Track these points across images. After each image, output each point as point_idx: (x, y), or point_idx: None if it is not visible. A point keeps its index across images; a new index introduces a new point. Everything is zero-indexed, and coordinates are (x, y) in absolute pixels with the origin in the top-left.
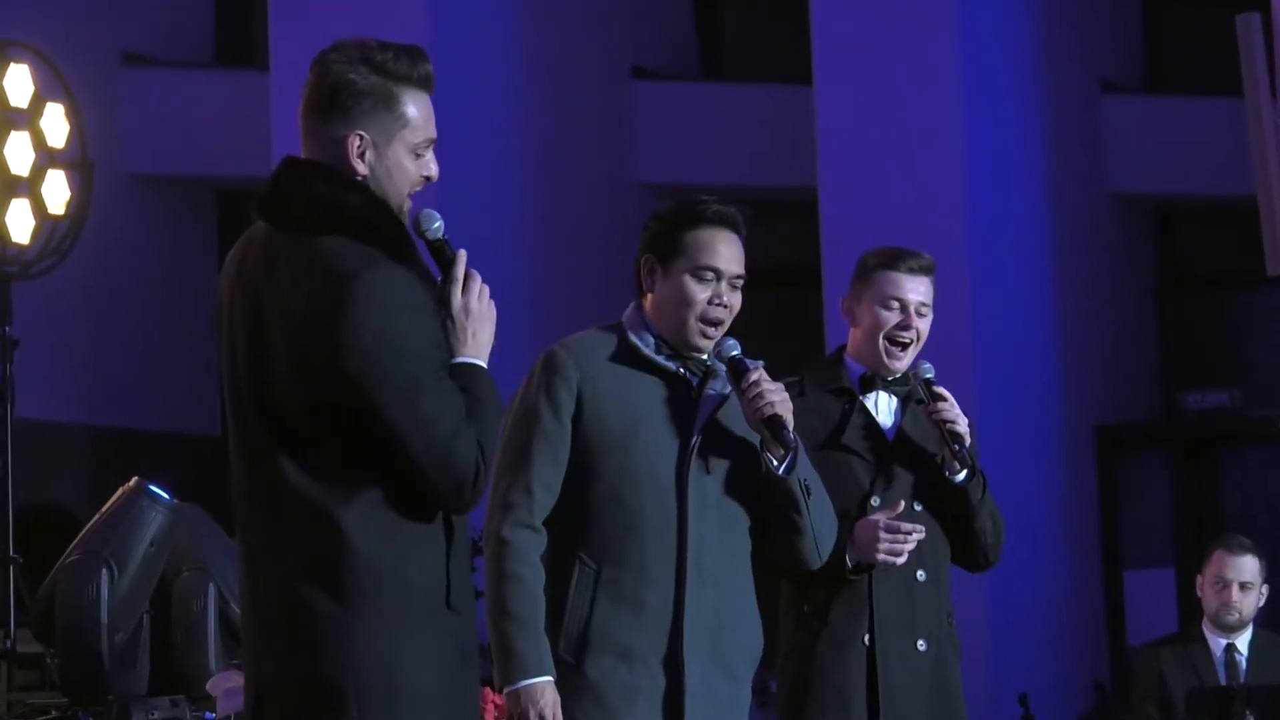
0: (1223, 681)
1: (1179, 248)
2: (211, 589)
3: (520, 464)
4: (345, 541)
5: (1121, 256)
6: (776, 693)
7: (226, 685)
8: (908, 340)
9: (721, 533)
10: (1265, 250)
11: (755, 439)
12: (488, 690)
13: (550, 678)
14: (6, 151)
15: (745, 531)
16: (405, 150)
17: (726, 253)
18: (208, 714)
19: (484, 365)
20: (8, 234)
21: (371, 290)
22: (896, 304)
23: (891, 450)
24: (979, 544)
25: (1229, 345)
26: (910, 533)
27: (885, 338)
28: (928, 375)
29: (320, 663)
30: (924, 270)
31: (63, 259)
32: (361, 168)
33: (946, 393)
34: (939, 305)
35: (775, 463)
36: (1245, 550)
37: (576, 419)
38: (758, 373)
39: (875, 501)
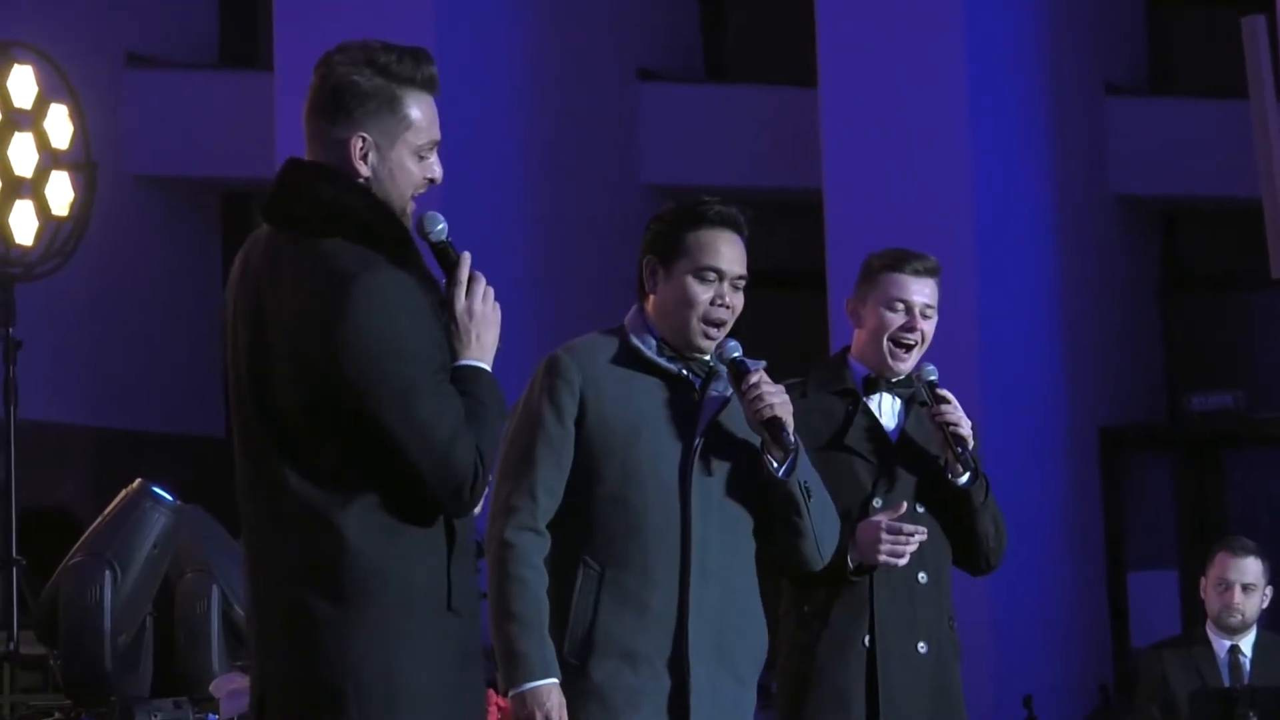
0: (1226, 683)
1: (1183, 249)
2: (215, 590)
3: (523, 468)
4: (344, 544)
5: (1125, 258)
6: (776, 693)
7: (229, 687)
8: (912, 342)
9: (725, 534)
10: (1270, 252)
11: (758, 440)
12: (491, 692)
13: (555, 680)
14: (10, 152)
15: (749, 532)
16: (408, 152)
17: (728, 253)
18: (210, 715)
19: (487, 368)
20: (11, 235)
21: (370, 293)
22: (901, 306)
23: (894, 452)
24: (981, 547)
25: (1233, 347)
26: (912, 534)
27: (890, 339)
28: (931, 377)
29: (320, 664)
30: (929, 272)
31: (66, 260)
32: (364, 169)
33: (950, 395)
34: (943, 307)
35: (775, 465)
36: (1248, 552)
37: (579, 422)
38: (758, 374)
39: (877, 503)
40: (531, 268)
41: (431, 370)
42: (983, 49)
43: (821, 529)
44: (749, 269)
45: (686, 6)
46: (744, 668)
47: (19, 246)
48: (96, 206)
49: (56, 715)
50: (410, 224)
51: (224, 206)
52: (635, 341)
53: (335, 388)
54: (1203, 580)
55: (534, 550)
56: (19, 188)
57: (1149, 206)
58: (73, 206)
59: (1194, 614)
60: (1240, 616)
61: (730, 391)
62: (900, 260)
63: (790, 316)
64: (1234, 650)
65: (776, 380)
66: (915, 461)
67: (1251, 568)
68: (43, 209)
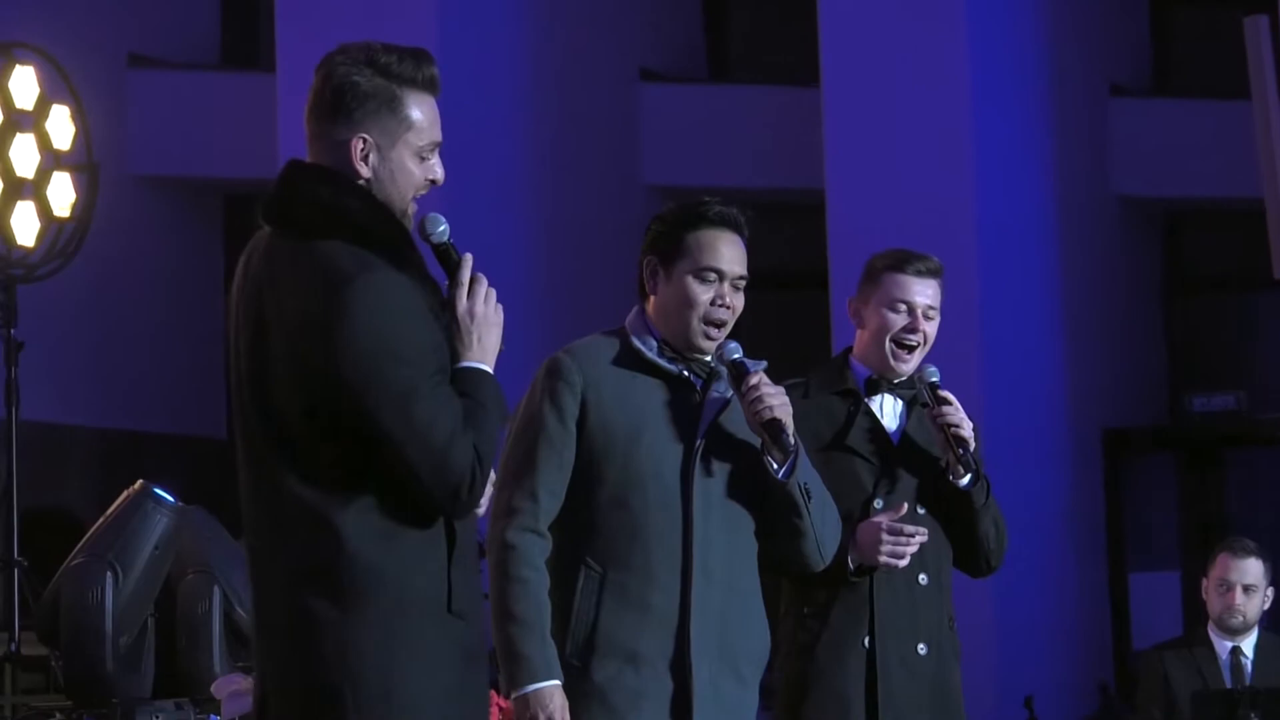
0: (1228, 684)
1: (1186, 250)
2: (216, 592)
3: (525, 469)
4: (343, 546)
5: (1128, 259)
6: (775, 693)
7: (231, 688)
8: (915, 343)
9: (727, 535)
10: (1272, 253)
11: (759, 442)
12: (493, 693)
13: (558, 682)
14: (12, 153)
15: (751, 533)
16: (409, 153)
17: (729, 253)
18: (212, 717)
19: (489, 370)
20: (13, 236)
21: (366, 295)
22: (904, 307)
23: (895, 453)
24: (981, 549)
25: (1235, 348)
26: (913, 535)
27: (892, 340)
28: (933, 379)
29: (319, 666)
30: (932, 273)
31: (68, 261)
32: (365, 170)
33: (951, 396)
34: (944, 308)
35: (775, 466)
36: (1249, 553)
37: (581, 424)
38: (757, 376)
39: (878, 504)
40: (533, 268)
41: (429, 372)
42: (985, 50)
43: (822, 530)
44: (749, 269)
45: (689, 7)
46: (746, 668)
47: (21, 247)
48: (98, 207)
49: (58, 716)
50: (412, 225)
51: (226, 207)
52: (636, 343)
53: (333, 390)
54: (1204, 581)
55: (535, 552)
56: (21, 189)
57: (1151, 207)
58: (74, 207)
59: (1195, 615)
60: (1241, 618)
61: (731, 393)
62: (903, 261)
63: (792, 317)
64: (1236, 651)
65: (778, 381)
66: (916, 463)
67: (1253, 569)
68: (44, 210)
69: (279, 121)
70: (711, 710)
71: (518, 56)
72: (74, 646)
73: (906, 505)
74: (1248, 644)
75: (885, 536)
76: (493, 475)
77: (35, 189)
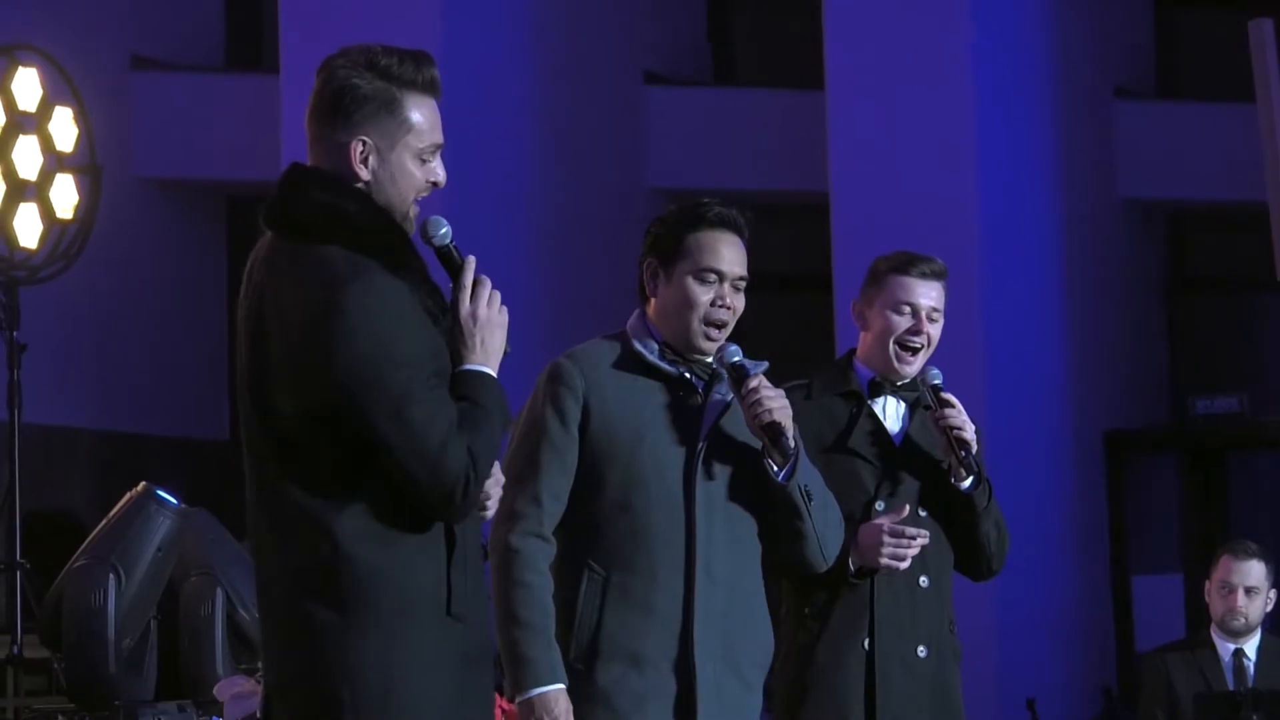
0: (1230, 686)
1: (1189, 253)
2: (219, 594)
3: (528, 474)
4: (340, 550)
5: (1132, 261)
6: (774, 694)
7: (233, 690)
8: (918, 345)
9: (730, 536)
10: (1275, 255)
11: (760, 444)
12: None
13: (562, 685)
14: (14, 155)
15: (754, 535)
16: (410, 155)
17: (729, 254)
18: (215, 719)
19: (491, 372)
20: (15, 238)
21: (359, 299)
22: (908, 309)
23: (898, 455)
24: (983, 552)
25: (1239, 350)
26: (914, 538)
27: (896, 342)
28: (936, 381)
29: (318, 669)
30: (936, 275)
31: (71, 263)
32: (364, 173)
33: (954, 399)
34: (948, 310)
35: (775, 469)
36: (1252, 555)
37: (583, 428)
38: (757, 379)
39: (879, 506)
40: (538, 271)
41: (423, 376)
42: (990, 53)
43: (824, 531)
44: (750, 270)
45: (693, 10)
46: (750, 669)
47: (23, 249)
48: (101, 209)
49: (60, 719)
50: (414, 228)
51: (229, 209)
52: (637, 346)
53: (327, 394)
54: (1207, 584)
55: (540, 556)
56: (23, 190)
57: (1155, 210)
58: (77, 209)
59: (1198, 618)
60: (1243, 620)
61: (732, 396)
62: (907, 263)
63: (796, 319)
64: (1238, 654)
65: (782, 382)
66: (918, 465)
67: (1255, 571)
68: (47, 212)
69: (282, 123)
70: (715, 711)
71: (522, 59)
72: (76, 649)
73: (908, 507)
74: (1250, 646)
75: (887, 539)
76: (502, 477)
77: (38, 191)
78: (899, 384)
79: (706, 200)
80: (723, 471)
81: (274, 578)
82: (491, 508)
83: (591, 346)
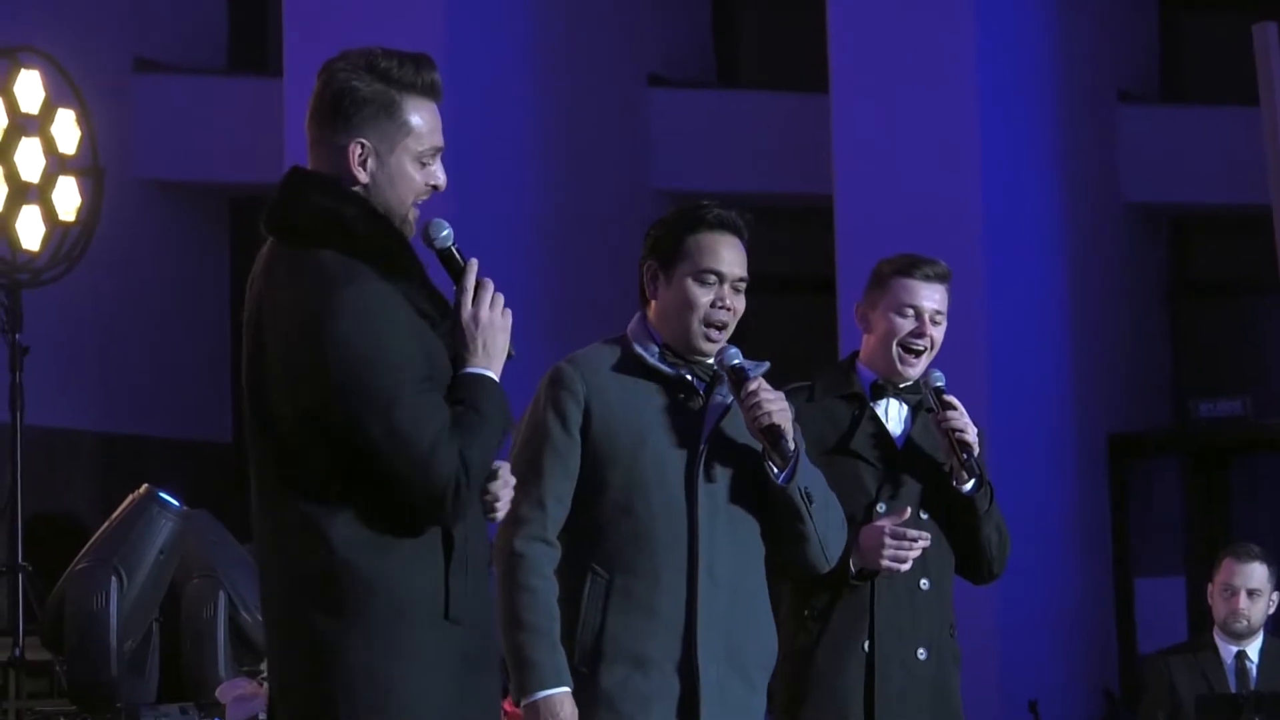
0: (1233, 689)
1: (1193, 256)
2: (221, 596)
3: (531, 478)
4: (335, 555)
5: (1135, 265)
6: (774, 695)
7: (235, 692)
8: (921, 348)
9: (732, 538)
10: (1279, 259)
11: (761, 446)
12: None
13: (568, 688)
14: (17, 158)
15: (756, 537)
16: (409, 158)
17: (728, 256)
18: None
19: (492, 376)
20: (18, 240)
21: (349, 303)
22: (911, 311)
23: (900, 458)
24: (984, 555)
25: (1242, 353)
26: (916, 540)
27: (899, 345)
28: (938, 384)
29: (315, 673)
30: (939, 278)
31: (73, 266)
32: (363, 176)
33: (956, 401)
34: (951, 312)
35: (775, 471)
36: (1254, 558)
37: (585, 431)
38: (756, 382)
39: (881, 508)
40: (542, 273)
41: (412, 380)
42: (994, 56)
43: (826, 533)
44: (753, 272)
45: (698, 12)
46: (754, 670)
47: (26, 252)
48: (104, 212)
49: None
50: (414, 231)
51: (232, 212)
52: (638, 349)
53: (320, 399)
54: (1209, 586)
55: (544, 560)
56: (26, 193)
57: (1158, 213)
58: (80, 212)
59: (1201, 621)
60: (1246, 622)
61: (732, 398)
62: (911, 266)
63: (800, 321)
64: (1240, 656)
65: (785, 384)
66: (920, 468)
67: (1257, 573)
68: (49, 214)
69: (286, 126)
70: (719, 713)
71: (526, 61)
72: (78, 651)
73: (909, 510)
74: (1253, 648)
75: (888, 541)
76: (512, 479)
77: (40, 193)
78: (901, 386)
79: (706, 202)
80: (724, 473)
81: (273, 581)
82: (502, 510)
83: (592, 350)
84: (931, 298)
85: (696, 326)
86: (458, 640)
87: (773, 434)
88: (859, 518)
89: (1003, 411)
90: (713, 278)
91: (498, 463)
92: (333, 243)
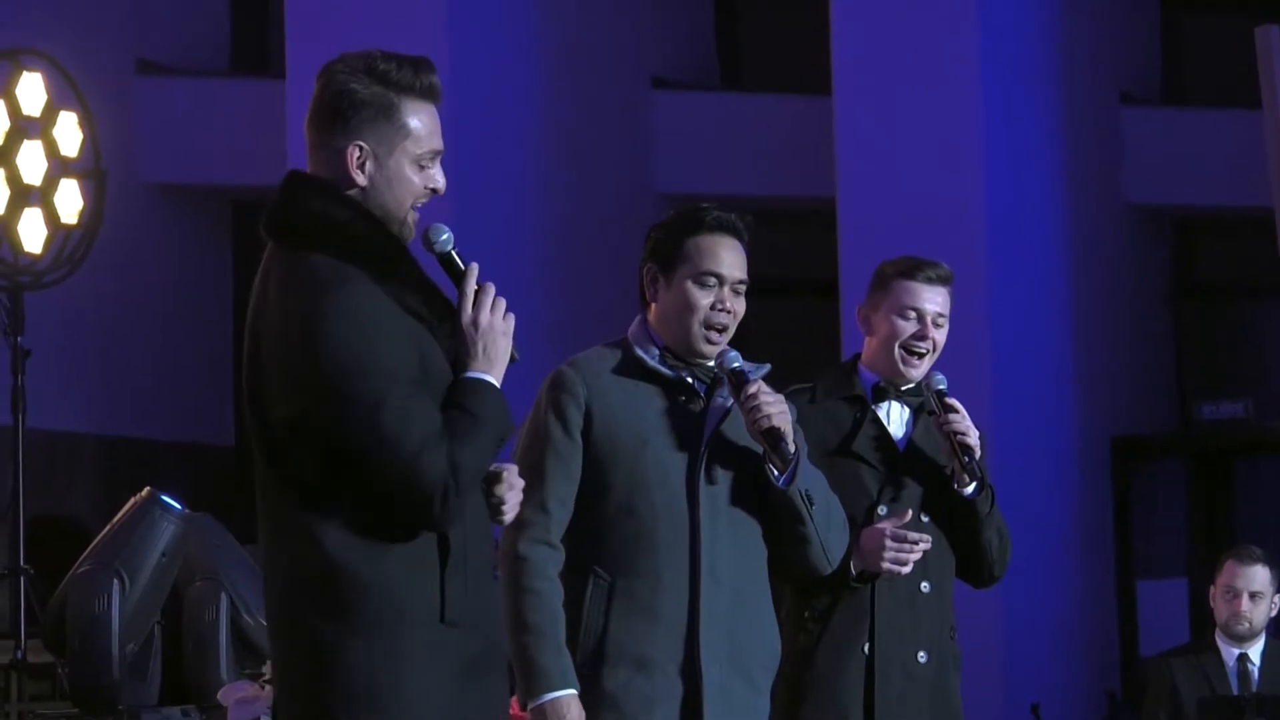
0: (1235, 691)
1: (1195, 258)
2: (223, 599)
3: (534, 482)
4: (331, 557)
5: (1138, 267)
6: (774, 697)
7: (237, 695)
8: (924, 350)
9: (734, 540)
10: None
11: (762, 449)
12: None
13: (574, 690)
14: (19, 160)
15: (758, 538)
16: (408, 161)
17: (728, 258)
18: None
19: (492, 380)
20: (20, 243)
21: (338, 307)
22: (913, 314)
23: (901, 460)
24: (984, 558)
25: (1244, 356)
26: (917, 542)
27: (901, 347)
28: (940, 386)
29: (315, 674)
30: (942, 280)
31: (75, 268)
32: (360, 179)
33: (958, 404)
34: (954, 315)
35: (775, 474)
36: (1256, 560)
37: (586, 435)
38: (756, 385)
39: (882, 510)
40: (544, 276)
41: (399, 385)
42: (997, 58)
43: (827, 535)
44: (756, 275)
45: (701, 15)
46: (757, 672)
47: (28, 255)
48: (106, 214)
49: None
50: (413, 234)
51: (235, 214)
52: (638, 352)
53: (308, 402)
54: (1211, 589)
55: (549, 563)
56: (28, 195)
57: (1162, 215)
58: (82, 214)
59: (1203, 623)
60: (1248, 624)
61: (733, 401)
62: (913, 268)
63: (803, 324)
64: (1243, 658)
65: (787, 386)
66: (922, 470)
67: (1259, 575)
68: (51, 217)
69: (288, 128)
70: (723, 714)
71: (528, 64)
72: (80, 654)
73: (910, 512)
74: (1255, 651)
75: (889, 543)
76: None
77: (42, 196)
78: (903, 389)
79: (705, 205)
80: (725, 475)
81: (273, 583)
82: (509, 513)
83: (593, 353)
84: (934, 300)
85: (696, 329)
86: (457, 643)
87: (773, 437)
88: (860, 520)
89: (1004, 414)
90: (713, 280)
91: (505, 465)
92: (326, 246)
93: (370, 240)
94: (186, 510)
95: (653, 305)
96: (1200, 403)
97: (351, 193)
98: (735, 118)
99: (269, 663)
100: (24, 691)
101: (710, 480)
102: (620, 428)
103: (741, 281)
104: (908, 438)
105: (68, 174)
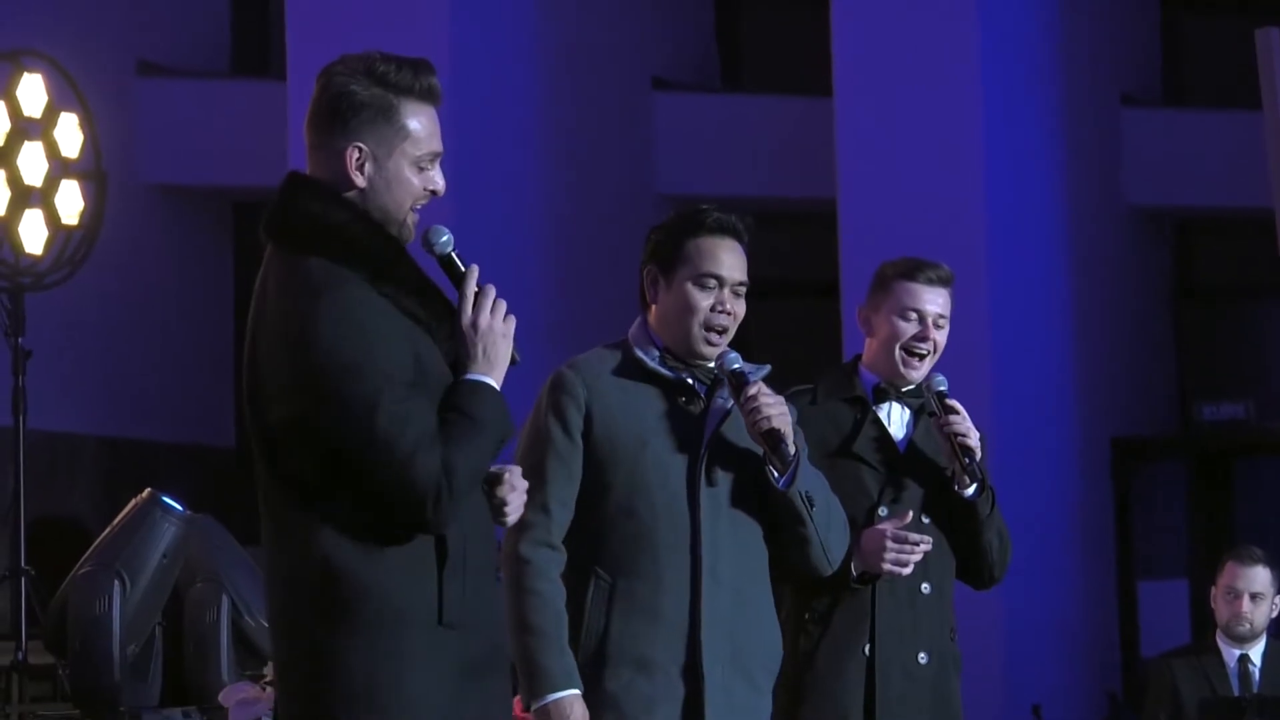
0: (1236, 692)
1: (1196, 260)
2: (224, 600)
3: (535, 484)
4: (329, 559)
5: (1138, 268)
6: (774, 698)
7: (238, 696)
8: (924, 351)
9: (735, 541)
10: None
11: (762, 450)
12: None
13: (578, 691)
14: (20, 161)
15: (759, 539)
16: (407, 163)
17: (728, 260)
18: None
19: (491, 382)
20: (21, 244)
21: (331, 310)
22: (914, 315)
23: (901, 462)
24: (985, 560)
25: (1245, 357)
26: (917, 543)
27: (902, 348)
28: (941, 388)
29: (315, 674)
30: (942, 282)
31: (76, 269)
32: (359, 180)
33: (959, 405)
34: (955, 316)
35: (775, 475)
36: (1256, 561)
37: (586, 436)
38: (755, 387)
39: (883, 511)
40: (545, 277)
41: (394, 387)
42: (997, 58)
43: (828, 536)
44: (754, 276)
45: (701, 16)
46: (759, 673)
47: (28, 256)
48: (106, 215)
49: None
50: (413, 236)
51: (236, 215)
52: (639, 353)
53: (305, 404)
54: (1212, 589)
55: (551, 565)
56: (28, 197)
57: (1162, 217)
58: (82, 215)
59: (1204, 624)
60: (1248, 625)
61: (733, 402)
62: (914, 269)
63: (804, 325)
64: (1243, 659)
65: (788, 387)
66: (922, 472)
67: (1260, 576)
68: (52, 218)
69: (289, 129)
70: (724, 715)
71: (529, 65)
72: (81, 655)
73: (911, 514)
74: (1256, 652)
75: (890, 544)
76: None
77: (43, 197)
78: (904, 390)
79: (705, 206)
80: (726, 477)
81: (273, 584)
82: (512, 515)
83: (593, 355)
84: (935, 301)
85: (697, 331)
86: (457, 644)
87: (773, 438)
88: (860, 521)
89: (1005, 415)
90: (713, 282)
91: (507, 467)
92: (322, 249)
93: (368, 242)
94: (187, 511)
95: (653, 307)
96: (1200, 403)
97: (351, 194)
98: (736, 118)
99: (270, 664)
100: (25, 693)
101: (710, 481)
102: (620, 429)
103: (742, 283)
104: (908, 439)
105: (68, 175)
